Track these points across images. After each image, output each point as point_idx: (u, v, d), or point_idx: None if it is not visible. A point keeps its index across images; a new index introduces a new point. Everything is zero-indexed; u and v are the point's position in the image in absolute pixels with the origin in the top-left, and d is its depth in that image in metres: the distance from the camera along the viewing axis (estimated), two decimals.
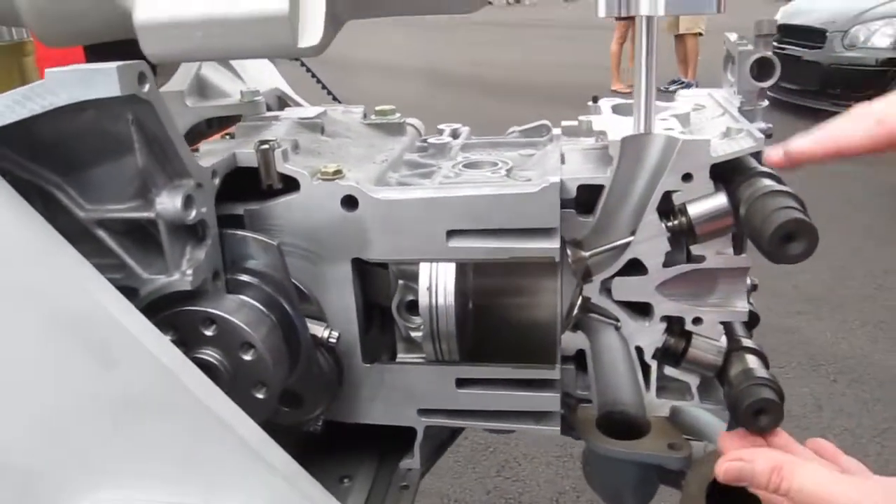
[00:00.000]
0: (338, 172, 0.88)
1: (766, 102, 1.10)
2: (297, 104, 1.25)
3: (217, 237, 0.84)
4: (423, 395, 0.96)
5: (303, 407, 0.92)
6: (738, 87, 1.06)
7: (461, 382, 0.95)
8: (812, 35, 6.92)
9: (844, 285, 4.01)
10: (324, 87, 1.60)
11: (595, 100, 1.12)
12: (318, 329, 0.89)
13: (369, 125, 1.12)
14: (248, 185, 0.92)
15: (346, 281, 0.91)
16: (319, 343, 0.89)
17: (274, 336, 0.84)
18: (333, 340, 0.89)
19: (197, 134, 1.12)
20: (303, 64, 1.55)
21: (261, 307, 0.86)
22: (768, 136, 1.00)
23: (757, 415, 0.88)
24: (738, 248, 0.94)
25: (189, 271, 0.79)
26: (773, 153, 0.78)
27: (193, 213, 0.78)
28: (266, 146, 0.88)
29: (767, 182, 0.83)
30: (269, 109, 1.18)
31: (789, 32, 7.16)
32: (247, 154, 0.89)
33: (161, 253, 0.78)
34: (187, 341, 0.79)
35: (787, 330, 3.59)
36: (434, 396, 0.96)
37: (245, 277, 0.87)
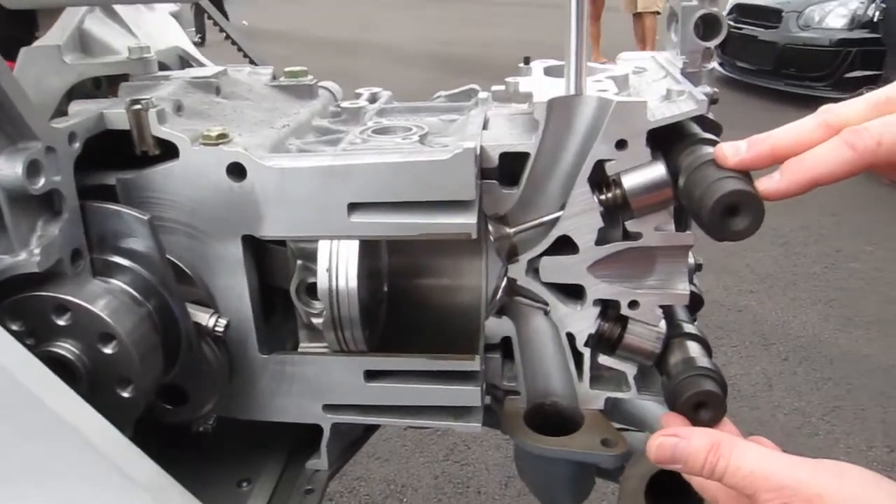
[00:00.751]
0: (222, 137, 0.76)
1: (712, 64, 1.01)
2: (201, 65, 1.12)
3: (77, 211, 0.72)
4: (328, 389, 0.85)
5: (188, 404, 0.81)
6: (682, 47, 0.97)
7: (371, 375, 0.84)
8: (768, 15, 6.91)
9: (795, 264, 4.00)
10: (239, 49, 1.47)
11: (527, 61, 1.01)
12: (202, 316, 0.78)
13: (275, 87, 1.00)
14: (127, 153, 0.80)
15: (237, 261, 0.80)
16: (205, 332, 0.78)
17: (144, 326, 0.72)
18: (220, 329, 0.78)
19: (83, 96, 0.99)
20: (216, 24, 1.42)
21: (132, 292, 0.74)
22: (713, 101, 0.91)
23: (697, 408, 0.80)
24: (680, 224, 0.85)
25: (37, 250, 0.67)
26: (729, 152, 0.68)
27: (41, 181, 0.66)
28: (138, 106, 0.76)
29: (710, 150, 0.73)
30: (166, 69, 1.05)
31: (745, 12, 7.14)
32: (117, 115, 0.77)
33: (4, 229, 0.66)
34: (37, 333, 0.67)
35: (740, 308, 3.56)
36: (341, 390, 0.85)
37: (115, 258, 0.75)
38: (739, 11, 7.16)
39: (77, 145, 0.72)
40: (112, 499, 0.62)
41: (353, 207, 0.76)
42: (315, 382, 0.85)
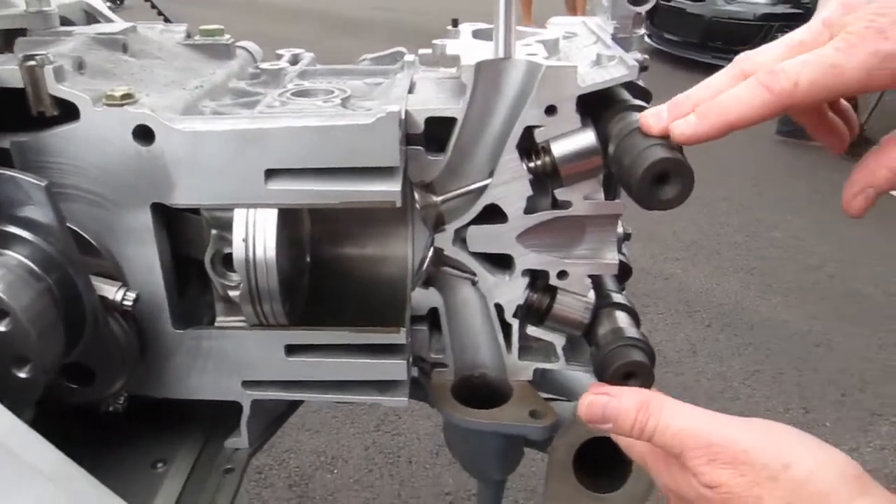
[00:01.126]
0: (128, 97, 0.71)
1: (642, 30, 1.00)
2: (108, 21, 1.05)
3: None
4: (247, 364, 0.81)
5: (95, 383, 0.76)
6: (613, 11, 0.95)
7: (291, 350, 0.81)
8: None
9: (719, 233, 4.10)
10: (153, 5, 1.39)
11: (455, 23, 0.98)
12: (108, 290, 0.73)
13: (189, 46, 0.94)
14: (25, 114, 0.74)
15: (146, 231, 0.75)
16: (111, 307, 0.73)
17: (42, 300, 0.67)
18: (129, 303, 0.73)
19: None
20: None
21: (30, 265, 0.68)
22: (643, 67, 0.89)
23: (626, 378, 0.79)
24: (610, 193, 0.84)
25: None
26: (652, 120, 0.67)
27: None
28: (33, 62, 0.69)
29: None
30: (69, 25, 0.98)
31: None
32: (9, 71, 0.70)
33: None
34: None
35: (666, 276, 3.64)
36: (260, 366, 0.81)
37: (10, 228, 0.69)
38: None
39: None
40: (10, 490, 0.58)
41: (271, 174, 0.72)
42: (233, 358, 0.81)
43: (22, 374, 0.65)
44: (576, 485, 0.90)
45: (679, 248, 3.93)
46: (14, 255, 0.69)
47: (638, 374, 0.80)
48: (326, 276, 0.88)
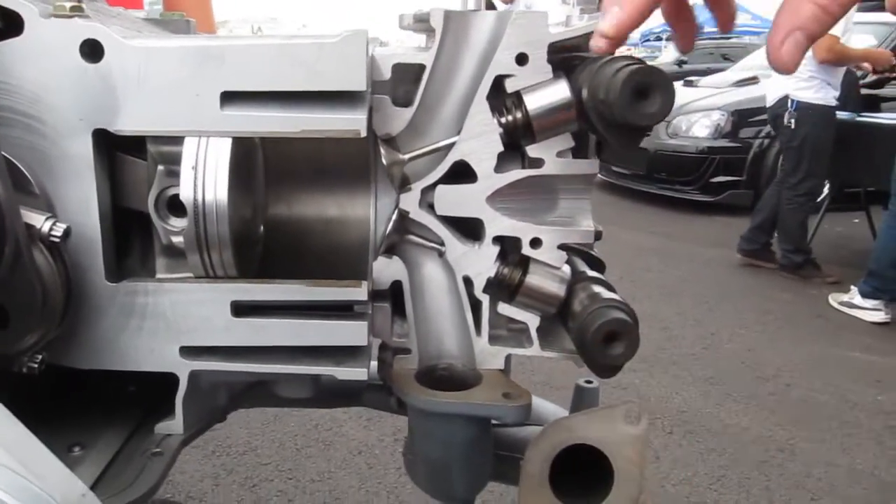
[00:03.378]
0: (77, 9, 0.66)
1: None
2: None
3: None
4: (188, 327, 0.72)
5: (9, 328, 0.66)
6: None
7: (239, 310, 0.72)
8: None
9: (675, 346, 4.09)
10: None
11: None
12: (36, 218, 0.65)
13: (148, 20, 0.91)
14: None
15: (85, 162, 0.68)
16: (38, 238, 0.65)
17: None
18: (57, 234, 0.65)
19: None
20: None
21: None
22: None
23: (609, 341, 0.73)
24: (581, 151, 0.81)
25: None
26: (600, 42, 0.67)
27: None
28: None
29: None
30: None
31: None
32: None
33: None
34: None
35: (625, 386, 3.56)
36: (203, 328, 0.72)
37: None
38: None
39: None
40: None
41: (227, 98, 0.67)
42: (172, 318, 0.72)
43: None
44: (552, 500, 0.81)
45: (636, 359, 3.84)
46: None
47: (622, 334, 0.73)
48: (281, 241, 0.81)
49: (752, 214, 5.40)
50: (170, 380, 0.75)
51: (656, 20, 0.73)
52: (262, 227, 0.81)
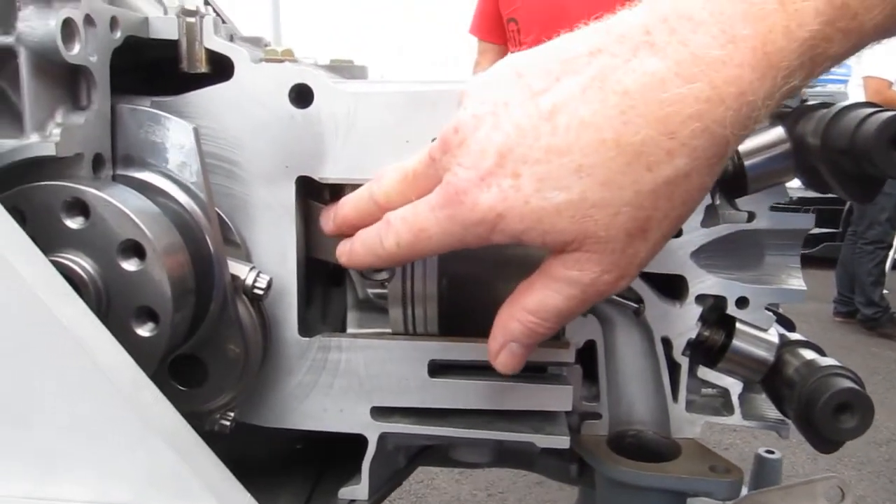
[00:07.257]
0: (288, 53, 0.64)
1: None
2: None
3: (107, 111, 0.58)
4: (380, 386, 0.68)
5: (206, 385, 0.63)
6: None
7: (436, 369, 0.68)
8: None
9: None
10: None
11: None
12: (240, 269, 0.62)
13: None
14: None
15: (286, 210, 0.65)
16: (241, 290, 0.62)
17: (180, 253, 0.56)
18: (262, 287, 0.62)
19: None
20: None
21: (161, 213, 0.58)
22: None
23: (840, 412, 0.66)
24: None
25: (56, 131, 0.52)
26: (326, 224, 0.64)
27: (76, 48, 0.53)
28: (192, 19, 0.64)
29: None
30: None
31: None
32: (166, 22, 0.64)
33: (11, 108, 0.52)
34: (38, 237, 0.51)
35: (725, 446, 3.40)
36: (397, 388, 0.68)
37: (144, 176, 0.60)
38: None
39: (118, 35, 0.59)
40: (128, 445, 0.45)
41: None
42: (365, 376, 0.68)
43: (143, 333, 0.53)
44: None
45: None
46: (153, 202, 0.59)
47: (854, 404, 0.66)
48: (461, 292, 0.76)
49: (836, 275, 5.18)
50: (339, 438, 0.70)
51: None
52: (445, 280, 0.76)
